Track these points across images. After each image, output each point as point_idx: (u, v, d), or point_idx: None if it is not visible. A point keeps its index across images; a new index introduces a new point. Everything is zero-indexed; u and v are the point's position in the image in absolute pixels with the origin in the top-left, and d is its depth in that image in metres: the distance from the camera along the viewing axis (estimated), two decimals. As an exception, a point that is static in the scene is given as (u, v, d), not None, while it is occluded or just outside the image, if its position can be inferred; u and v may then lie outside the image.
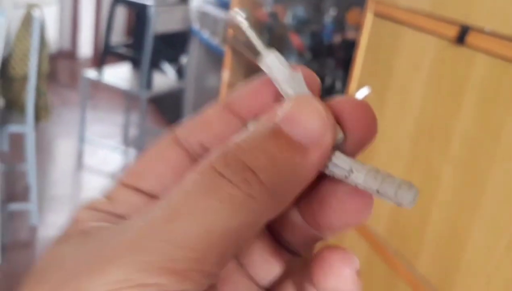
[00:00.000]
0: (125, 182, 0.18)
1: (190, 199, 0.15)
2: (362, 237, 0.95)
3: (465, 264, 0.77)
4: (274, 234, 0.20)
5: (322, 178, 0.18)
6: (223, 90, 1.80)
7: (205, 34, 2.21)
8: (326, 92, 1.38)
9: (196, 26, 2.31)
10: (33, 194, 2.01)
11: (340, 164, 0.17)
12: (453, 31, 0.77)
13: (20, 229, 2.04)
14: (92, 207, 0.18)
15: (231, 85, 1.82)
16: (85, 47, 3.97)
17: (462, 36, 0.75)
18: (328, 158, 0.17)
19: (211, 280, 0.15)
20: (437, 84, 0.81)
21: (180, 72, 2.63)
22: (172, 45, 2.63)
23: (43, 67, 2.04)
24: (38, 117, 2.07)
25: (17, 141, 2.20)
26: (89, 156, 2.62)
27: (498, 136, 0.71)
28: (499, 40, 0.70)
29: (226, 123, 0.18)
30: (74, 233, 0.17)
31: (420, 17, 0.83)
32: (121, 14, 3.55)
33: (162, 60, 2.69)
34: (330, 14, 1.46)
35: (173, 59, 2.67)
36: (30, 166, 2.01)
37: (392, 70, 0.91)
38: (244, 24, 0.19)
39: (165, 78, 2.60)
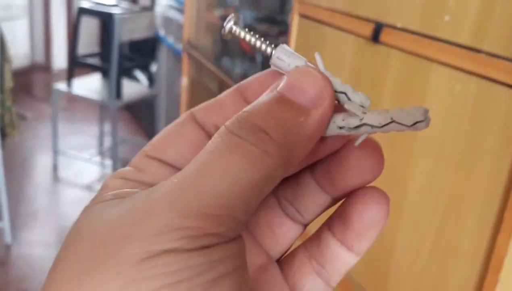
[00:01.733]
0: (148, 154, 0.20)
1: (215, 157, 0.16)
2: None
3: (394, 268, 0.74)
4: (282, 205, 0.22)
5: (337, 146, 0.20)
6: (183, 96, 1.77)
7: (170, 40, 2.19)
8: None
9: (161, 32, 2.29)
10: (5, 212, 1.99)
11: (354, 110, 0.19)
12: (368, 29, 0.75)
13: (-7, 248, 2.02)
14: (120, 176, 0.19)
15: (190, 90, 1.80)
16: (59, 59, 3.93)
17: (376, 33, 0.73)
18: (329, 118, 0.19)
19: (240, 227, 0.16)
20: (357, 83, 0.79)
21: (152, 79, 2.61)
22: (142, 53, 2.60)
23: (6, 82, 2.02)
24: (4, 133, 2.04)
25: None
26: (64, 169, 2.60)
27: (414, 133, 0.68)
28: (410, 36, 0.68)
29: (238, 107, 0.19)
30: (108, 197, 0.17)
31: (339, 16, 0.80)
32: (93, 24, 3.52)
33: (134, 68, 2.67)
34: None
35: (144, 67, 2.65)
36: (0, 183, 1.99)
37: (321, 71, 0.88)
38: (243, 32, 0.21)
39: (136, 86, 2.58)
